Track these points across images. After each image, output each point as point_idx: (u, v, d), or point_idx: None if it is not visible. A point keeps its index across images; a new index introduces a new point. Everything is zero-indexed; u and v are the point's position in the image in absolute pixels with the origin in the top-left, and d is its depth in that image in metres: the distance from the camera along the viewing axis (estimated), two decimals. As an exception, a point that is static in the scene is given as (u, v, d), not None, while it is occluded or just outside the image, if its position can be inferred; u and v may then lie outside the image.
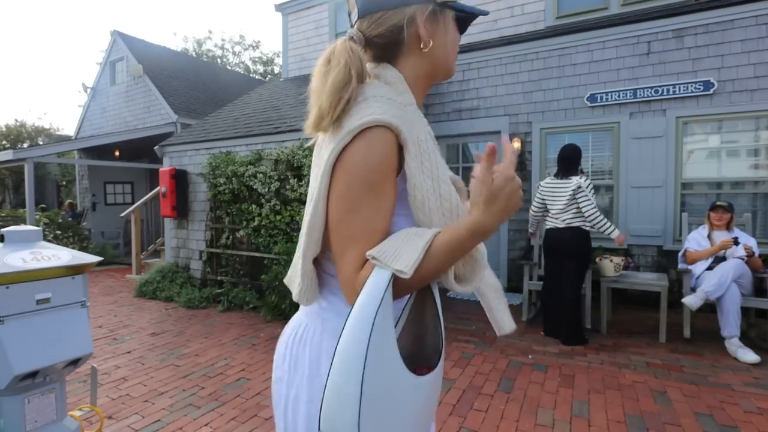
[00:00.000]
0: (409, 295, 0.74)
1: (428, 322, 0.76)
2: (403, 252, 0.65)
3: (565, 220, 3.64)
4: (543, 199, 3.85)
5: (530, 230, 4.23)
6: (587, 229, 3.61)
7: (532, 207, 4.00)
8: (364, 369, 0.60)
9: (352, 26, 0.81)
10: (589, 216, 3.52)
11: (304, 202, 4.41)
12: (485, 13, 0.84)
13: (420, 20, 0.77)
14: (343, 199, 0.69)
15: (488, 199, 0.66)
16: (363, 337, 0.60)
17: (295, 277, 0.81)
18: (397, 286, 0.66)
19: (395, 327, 0.67)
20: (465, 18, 0.84)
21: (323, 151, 0.74)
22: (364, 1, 0.78)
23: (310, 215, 0.75)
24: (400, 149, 0.71)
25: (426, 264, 0.66)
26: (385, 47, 0.79)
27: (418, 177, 0.71)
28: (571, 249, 3.62)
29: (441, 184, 0.73)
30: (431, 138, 0.79)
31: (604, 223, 3.52)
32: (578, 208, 3.57)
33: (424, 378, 0.68)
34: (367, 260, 0.67)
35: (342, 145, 0.69)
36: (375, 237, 0.69)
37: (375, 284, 0.63)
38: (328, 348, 0.77)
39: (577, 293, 3.65)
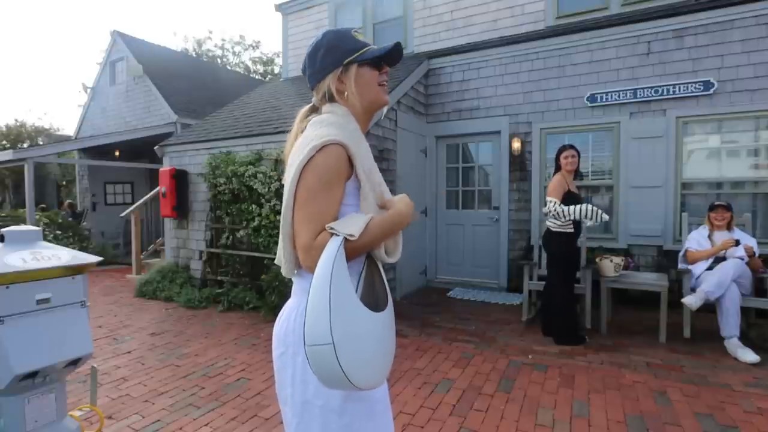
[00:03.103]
0: (362, 270, 1.02)
1: (378, 289, 1.04)
2: (351, 224, 0.96)
3: (547, 220, 3.68)
4: None
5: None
6: (556, 230, 3.58)
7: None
8: (330, 291, 0.85)
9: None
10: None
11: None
12: (382, 52, 1.11)
13: (332, 82, 1.11)
14: (306, 190, 0.98)
15: (403, 198, 1.09)
16: (327, 273, 0.86)
17: (282, 257, 1.09)
18: (349, 249, 0.94)
19: (356, 293, 0.94)
20: (378, 58, 1.11)
21: (293, 160, 1.03)
22: (309, 82, 1.17)
23: (284, 206, 1.02)
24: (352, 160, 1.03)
25: (366, 233, 0.96)
26: (328, 100, 1.14)
27: (364, 180, 1.04)
28: (550, 251, 3.65)
29: (375, 185, 1.08)
30: (370, 152, 1.13)
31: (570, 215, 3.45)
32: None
33: (377, 314, 0.96)
34: (318, 234, 0.95)
35: (309, 156, 0.98)
36: (325, 219, 0.97)
37: (332, 244, 0.92)
38: None
39: (564, 295, 3.64)
